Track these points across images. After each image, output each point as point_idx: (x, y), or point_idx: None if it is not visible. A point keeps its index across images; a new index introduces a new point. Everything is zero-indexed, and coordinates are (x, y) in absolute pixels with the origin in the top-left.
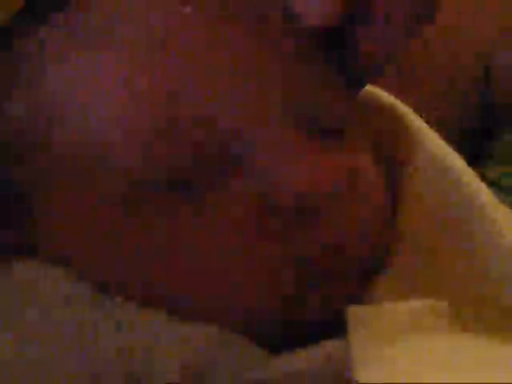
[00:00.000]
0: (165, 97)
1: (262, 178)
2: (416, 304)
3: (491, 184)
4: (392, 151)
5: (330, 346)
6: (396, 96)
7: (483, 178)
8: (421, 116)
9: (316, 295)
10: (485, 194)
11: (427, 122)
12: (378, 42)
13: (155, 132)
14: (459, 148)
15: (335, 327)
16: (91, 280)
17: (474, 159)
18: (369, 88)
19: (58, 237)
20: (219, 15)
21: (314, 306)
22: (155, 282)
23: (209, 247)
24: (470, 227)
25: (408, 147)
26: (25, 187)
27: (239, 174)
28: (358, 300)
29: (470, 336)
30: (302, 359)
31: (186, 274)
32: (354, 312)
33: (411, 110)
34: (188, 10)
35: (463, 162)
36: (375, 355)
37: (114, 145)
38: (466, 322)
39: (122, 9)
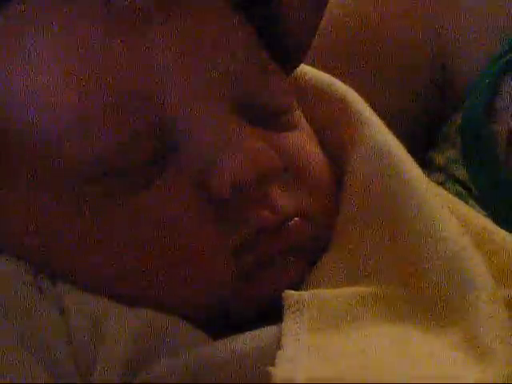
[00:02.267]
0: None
1: (199, 166)
2: (350, 290)
3: (440, 170)
4: (337, 137)
5: (269, 331)
6: (346, 83)
7: (432, 164)
8: (370, 103)
9: (258, 280)
10: (424, 182)
11: (377, 109)
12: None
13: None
14: (412, 133)
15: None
16: (36, 265)
17: (429, 143)
18: (320, 75)
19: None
20: None
21: (255, 292)
22: (102, 269)
23: (148, 234)
24: (407, 213)
25: (353, 134)
26: None
27: (176, 161)
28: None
29: (399, 323)
30: (242, 342)
31: (127, 262)
32: (289, 297)
33: (359, 98)
34: None
35: (405, 150)
36: (303, 343)
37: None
38: (399, 306)
39: None
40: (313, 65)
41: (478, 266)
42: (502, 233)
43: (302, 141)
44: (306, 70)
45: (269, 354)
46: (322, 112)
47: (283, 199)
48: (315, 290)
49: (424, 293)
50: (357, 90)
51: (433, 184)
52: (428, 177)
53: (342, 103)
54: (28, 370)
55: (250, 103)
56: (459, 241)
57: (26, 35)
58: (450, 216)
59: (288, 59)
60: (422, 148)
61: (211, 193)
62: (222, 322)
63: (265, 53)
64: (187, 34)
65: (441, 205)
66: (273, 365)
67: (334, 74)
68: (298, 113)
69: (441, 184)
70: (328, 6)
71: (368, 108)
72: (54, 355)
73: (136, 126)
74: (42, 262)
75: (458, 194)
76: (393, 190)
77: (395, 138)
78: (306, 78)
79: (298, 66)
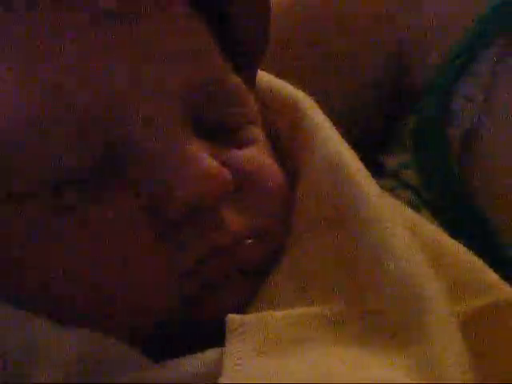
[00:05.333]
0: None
1: (149, 186)
2: (297, 312)
3: (391, 176)
4: (290, 145)
5: (213, 354)
6: (299, 85)
7: (384, 168)
8: (326, 101)
9: (206, 303)
10: (376, 193)
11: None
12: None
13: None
14: (369, 132)
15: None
16: None
17: (383, 145)
18: (272, 79)
19: None
20: None
21: (202, 315)
22: (37, 283)
23: (90, 254)
24: (357, 228)
25: (305, 142)
26: None
27: (125, 180)
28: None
29: (348, 346)
30: (184, 366)
31: (69, 281)
32: (233, 321)
33: (312, 103)
34: None
35: (357, 158)
36: (244, 369)
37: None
38: (350, 327)
39: None
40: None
41: (431, 286)
42: (455, 244)
43: (259, 157)
44: (261, 74)
45: (210, 379)
46: (276, 119)
47: (236, 219)
48: (260, 313)
49: (376, 314)
50: (314, 88)
51: (385, 194)
52: (379, 182)
53: (294, 109)
54: None
55: (205, 119)
56: (412, 259)
57: None
58: (402, 231)
59: (247, 66)
60: (378, 148)
61: (162, 214)
62: (169, 344)
63: (224, 62)
64: (139, 44)
65: (393, 218)
66: None
67: (291, 73)
68: (256, 127)
69: (392, 190)
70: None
71: (320, 113)
72: None
73: (84, 142)
74: None
75: (409, 202)
76: (344, 203)
77: (347, 146)
78: (263, 82)
79: (255, 74)
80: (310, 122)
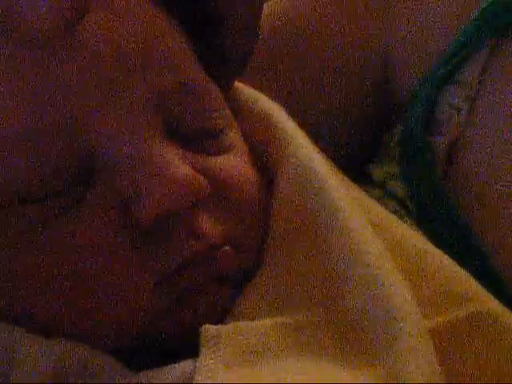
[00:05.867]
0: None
1: (123, 192)
2: (269, 322)
3: (378, 186)
4: (264, 156)
5: (187, 366)
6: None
7: (370, 178)
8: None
9: (180, 312)
10: (344, 201)
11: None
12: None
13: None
14: (352, 142)
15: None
16: None
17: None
18: (246, 90)
19: None
20: None
21: (177, 325)
22: (13, 294)
23: (66, 262)
24: (328, 236)
25: (278, 153)
26: None
27: (98, 188)
28: (226, 310)
29: (320, 357)
30: (158, 376)
31: (44, 290)
32: (207, 332)
33: (284, 114)
34: None
35: (331, 167)
36: (214, 382)
37: None
38: (321, 337)
39: None
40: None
41: (401, 294)
42: (439, 254)
43: (236, 164)
44: (238, 84)
45: None
46: (249, 130)
47: (211, 227)
48: (234, 324)
49: (346, 322)
50: (296, 97)
51: (367, 200)
52: (366, 191)
53: (267, 121)
54: None
55: (179, 126)
56: (382, 266)
57: None
58: (374, 238)
59: (225, 71)
60: (362, 159)
61: (133, 221)
62: (144, 353)
63: (199, 66)
64: (101, 55)
65: (364, 226)
66: None
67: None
68: (233, 133)
69: (378, 200)
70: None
71: (293, 125)
72: None
73: (55, 154)
74: None
75: (394, 212)
76: (315, 212)
77: (321, 156)
78: (239, 93)
79: (235, 80)
80: (282, 132)
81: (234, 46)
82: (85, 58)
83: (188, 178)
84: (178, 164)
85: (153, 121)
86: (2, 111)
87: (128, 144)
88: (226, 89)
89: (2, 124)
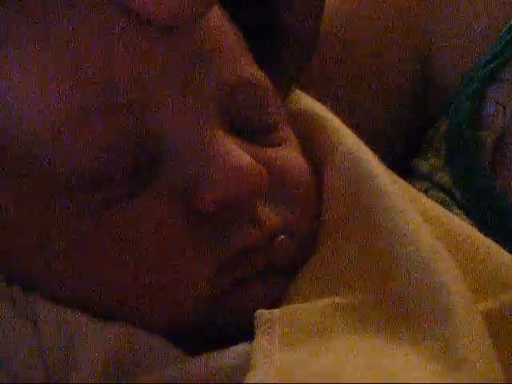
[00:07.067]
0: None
1: (185, 180)
2: (322, 303)
3: (424, 178)
4: (310, 152)
5: (244, 348)
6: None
7: (416, 171)
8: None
9: (238, 297)
10: (390, 185)
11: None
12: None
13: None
14: (396, 139)
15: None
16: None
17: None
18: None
19: None
20: None
21: (235, 309)
22: (78, 282)
23: (127, 248)
24: (378, 221)
25: (325, 148)
26: None
27: (161, 175)
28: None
29: (373, 335)
30: (216, 360)
31: (105, 275)
32: (262, 316)
33: (328, 112)
34: None
35: (375, 157)
36: (273, 362)
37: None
38: (373, 316)
39: None
40: None
41: (451, 270)
42: (487, 242)
43: (291, 155)
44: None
45: (242, 372)
46: (295, 125)
47: (270, 215)
48: (288, 306)
49: (398, 300)
50: (338, 98)
51: (414, 191)
52: (412, 185)
53: (312, 115)
54: None
55: (240, 117)
56: (432, 245)
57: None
58: (421, 221)
59: (282, 77)
60: (408, 154)
61: (196, 207)
62: (201, 338)
63: (257, 66)
64: (181, 45)
65: (413, 209)
66: None
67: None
68: (287, 127)
69: (425, 191)
70: None
71: (338, 120)
72: (26, 373)
73: (119, 139)
74: (15, 271)
75: (442, 202)
76: (365, 196)
77: (367, 148)
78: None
79: (292, 84)
80: (328, 124)
81: (293, 58)
82: (179, 45)
83: (250, 167)
84: (240, 154)
85: (218, 113)
86: (88, 78)
87: (194, 133)
88: (284, 91)
89: (85, 95)
